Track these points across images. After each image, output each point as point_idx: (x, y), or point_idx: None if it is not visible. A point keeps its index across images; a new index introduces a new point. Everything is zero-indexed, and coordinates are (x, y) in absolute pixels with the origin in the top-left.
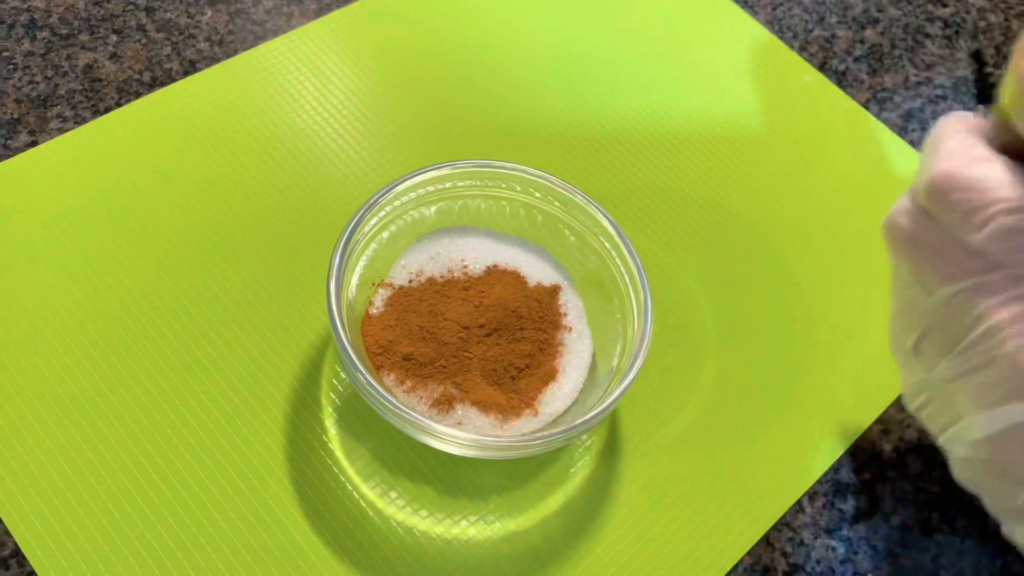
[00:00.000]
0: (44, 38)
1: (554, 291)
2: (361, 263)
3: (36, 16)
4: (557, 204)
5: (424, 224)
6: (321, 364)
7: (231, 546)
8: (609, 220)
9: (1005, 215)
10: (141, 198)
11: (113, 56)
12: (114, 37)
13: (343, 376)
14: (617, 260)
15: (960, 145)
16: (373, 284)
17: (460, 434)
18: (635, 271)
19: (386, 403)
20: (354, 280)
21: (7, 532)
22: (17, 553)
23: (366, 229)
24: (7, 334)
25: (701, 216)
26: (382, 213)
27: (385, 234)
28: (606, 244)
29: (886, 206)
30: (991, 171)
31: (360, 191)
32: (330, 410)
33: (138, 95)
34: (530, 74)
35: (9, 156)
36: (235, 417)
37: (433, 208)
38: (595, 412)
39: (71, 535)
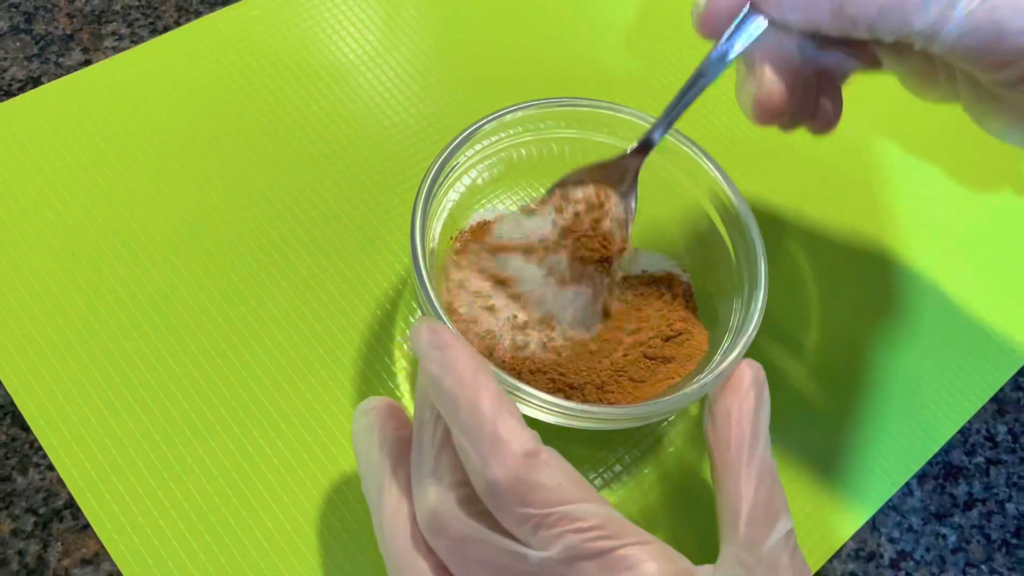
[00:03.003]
0: None
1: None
2: (443, 209)
3: None
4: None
5: (507, 169)
6: (394, 314)
7: (296, 502)
8: (714, 165)
9: None
10: (200, 124)
11: None
12: None
13: None
14: (722, 209)
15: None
16: (451, 237)
17: (566, 404)
18: (750, 233)
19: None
20: (436, 228)
21: (61, 482)
22: (71, 504)
23: (448, 172)
24: (59, 265)
25: (802, 173)
26: (463, 157)
27: (465, 180)
28: (709, 191)
29: (993, 158)
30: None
31: (433, 128)
32: (403, 363)
33: (198, 14)
34: (618, 9)
35: (61, 75)
36: (304, 368)
37: (508, 155)
38: (711, 374)
39: (128, 486)
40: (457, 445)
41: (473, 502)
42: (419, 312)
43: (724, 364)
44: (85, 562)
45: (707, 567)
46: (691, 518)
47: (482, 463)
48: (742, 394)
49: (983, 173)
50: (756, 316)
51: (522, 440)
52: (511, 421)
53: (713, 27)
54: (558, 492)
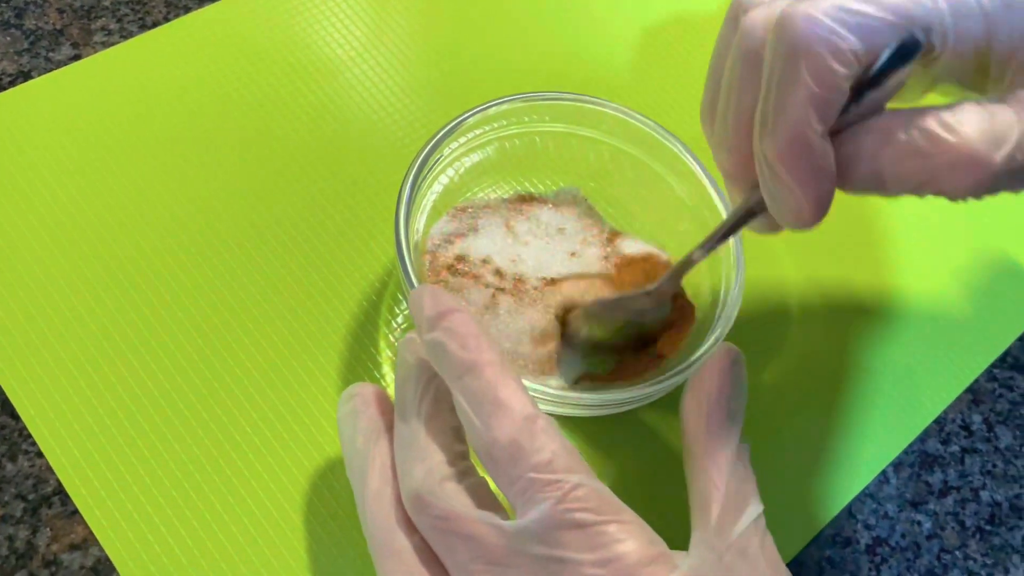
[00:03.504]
0: None
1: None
2: (428, 200)
3: None
4: (629, 140)
5: (492, 163)
6: (379, 304)
7: (282, 488)
8: (696, 162)
9: None
10: (188, 119)
11: None
12: None
13: (400, 320)
14: (705, 211)
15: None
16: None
17: (545, 388)
18: (722, 215)
19: None
20: (420, 219)
21: (50, 469)
22: (60, 491)
23: (432, 165)
24: (50, 258)
25: None
26: (447, 149)
27: (450, 172)
28: (691, 186)
29: None
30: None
31: (419, 122)
32: (388, 353)
33: (187, 10)
34: (604, 5)
35: (51, 69)
36: (290, 358)
37: (494, 148)
38: (689, 363)
39: (117, 473)
40: (458, 407)
41: (457, 479)
42: (404, 303)
43: (701, 352)
44: (74, 547)
45: (680, 552)
46: (669, 503)
47: (483, 425)
48: (717, 380)
49: None
50: (733, 306)
51: (522, 405)
52: (512, 386)
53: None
54: (550, 459)
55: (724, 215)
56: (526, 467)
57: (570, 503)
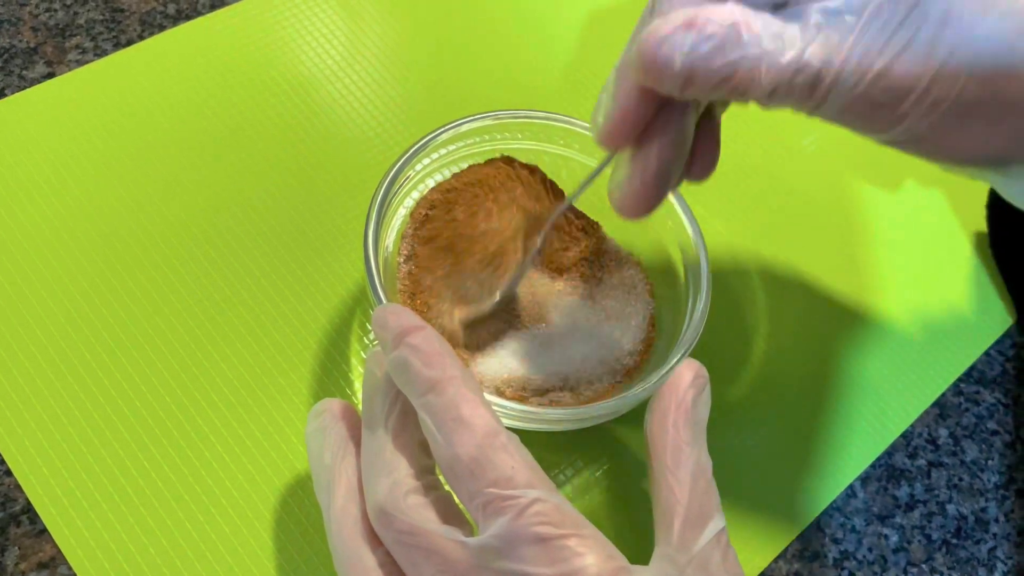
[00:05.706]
0: None
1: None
2: (398, 218)
3: None
4: (598, 157)
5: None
6: (351, 321)
7: (252, 506)
8: None
9: None
10: (162, 137)
11: None
12: None
13: (372, 337)
14: (670, 223)
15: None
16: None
17: (511, 405)
18: (692, 237)
19: None
20: (390, 236)
21: (19, 487)
22: (29, 509)
23: (402, 183)
24: (21, 275)
25: (750, 182)
26: (419, 166)
27: (421, 188)
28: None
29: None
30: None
31: (393, 140)
32: (360, 370)
33: (162, 28)
34: (572, 25)
35: (25, 87)
36: (261, 375)
37: (467, 164)
38: (654, 378)
39: (86, 491)
40: (422, 424)
41: (422, 493)
42: None
43: (667, 368)
44: (42, 566)
45: (641, 567)
46: (637, 519)
47: (445, 442)
48: (680, 395)
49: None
50: (699, 321)
51: (483, 422)
52: (474, 402)
53: (617, 142)
54: (510, 474)
55: (689, 227)
56: (486, 482)
57: (530, 517)
